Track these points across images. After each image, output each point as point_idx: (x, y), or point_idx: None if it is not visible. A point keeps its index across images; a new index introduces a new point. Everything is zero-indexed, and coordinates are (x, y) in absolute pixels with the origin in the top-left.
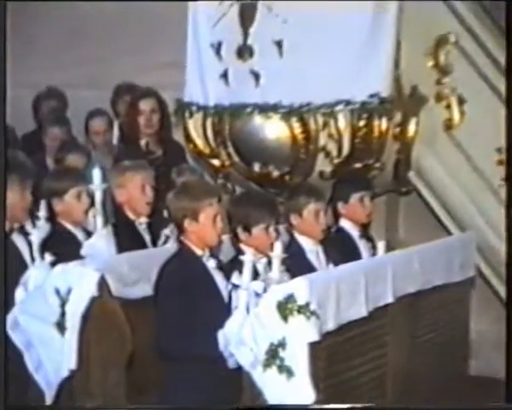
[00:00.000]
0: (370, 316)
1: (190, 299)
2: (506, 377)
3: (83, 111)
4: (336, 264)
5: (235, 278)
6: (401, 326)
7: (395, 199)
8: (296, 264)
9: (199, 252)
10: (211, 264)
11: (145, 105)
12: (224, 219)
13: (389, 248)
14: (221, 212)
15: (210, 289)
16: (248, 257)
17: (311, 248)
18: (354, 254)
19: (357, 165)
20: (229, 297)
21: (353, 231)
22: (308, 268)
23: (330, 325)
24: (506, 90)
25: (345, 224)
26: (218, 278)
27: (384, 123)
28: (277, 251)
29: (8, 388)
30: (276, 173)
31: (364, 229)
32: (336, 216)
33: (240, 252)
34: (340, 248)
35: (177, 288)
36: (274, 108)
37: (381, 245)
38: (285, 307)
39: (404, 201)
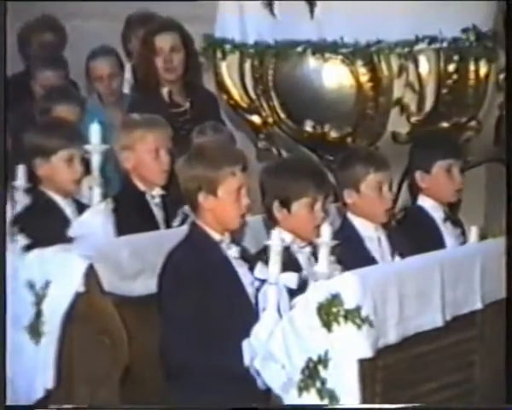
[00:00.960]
0: (448, 327)
1: (205, 298)
2: (506, 377)
3: (86, 48)
4: (406, 255)
5: (259, 269)
6: (492, 342)
7: (496, 171)
8: (350, 255)
9: (216, 237)
10: (232, 252)
11: (163, 41)
12: (251, 194)
13: (484, 236)
14: (247, 184)
15: (231, 284)
16: (276, 241)
17: (371, 235)
18: (435, 244)
19: (444, 124)
20: (256, 296)
21: (436, 211)
22: (366, 260)
23: (390, 338)
24: (506, 89)
25: (425, 202)
26: (242, 270)
27: (483, 67)
28: (325, 236)
29: (7, 388)
30: (334, 135)
31: (451, 210)
32: (414, 192)
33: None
34: (415, 235)
35: (187, 283)
36: (333, 47)
37: (473, 232)
38: (328, 312)
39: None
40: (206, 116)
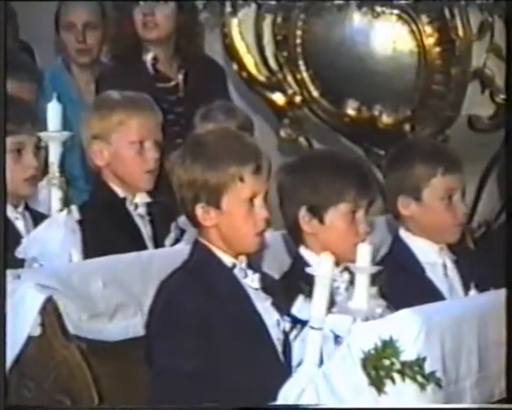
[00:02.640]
0: None
1: (212, 345)
2: (506, 376)
3: None
4: (485, 288)
5: (298, 306)
6: None
7: None
8: (403, 286)
9: (228, 260)
10: (249, 281)
11: None
12: (271, 203)
13: None
14: (264, 190)
15: (248, 326)
16: (325, 268)
17: (434, 260)
18: None
19: None
20: (285, 342)
21: None
22: (426, 295)
23: (467, 402)
24: (506, 89)
25: None
26: (263, 306)
27: None
28: (363, 259)
29: (7, 388)
30: (386, 120)
31: None
32: (505, 200)
33: (300, 259)
34: (500, 260)
35: (188, 325)
36: None
37: None
38: (378, 365)
39: None
40: (207, 94)
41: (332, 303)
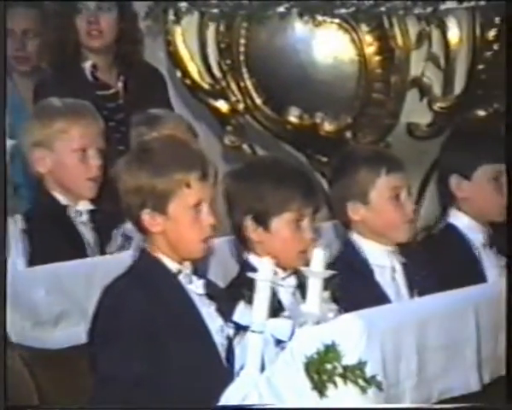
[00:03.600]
0: (487, 391)
1: (156, 350)
2: (506, 376)
3: None
4: (428, 292)
5: (240, 312)
6: None
7: None
8: (353, 290)
9: (173, 266)
10: (194, 287)
11: None
12: (217, 209)
13: None
14: (210, 197)
15: (192, 331)
16: (265, 273)
17: (383, 263)
18: (470, 277)
19: (480, 112)
20: (229, 348)
21: (474, 232)
22: (375, 299)
23: (406, 403)
24: (506, 89)
25: (459, 219)
26: (208, 312)
27: None
28: (317, 264)
29: (7, 388)
30: (328, 127)
31: (495, 231)
32: (445, 203)
33: (247, 265)
34: (443, 265)
35: (131, 331)
36: (328, 6)
37: None
38: (320, 369)
39: None
40: (147, 101)
41: (282, 308)
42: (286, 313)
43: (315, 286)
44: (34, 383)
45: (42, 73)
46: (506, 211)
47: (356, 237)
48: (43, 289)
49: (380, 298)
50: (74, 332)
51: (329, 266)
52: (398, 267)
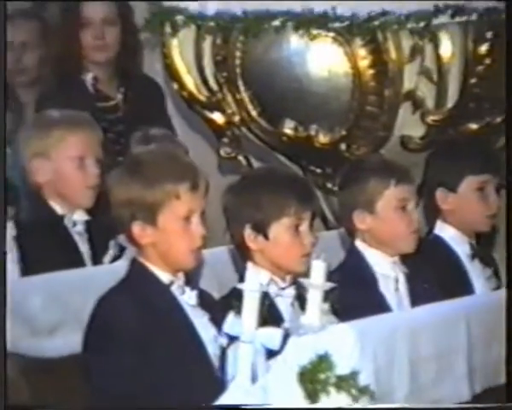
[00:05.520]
0: (480, 400)
1: (148, 361)
2: (506, 376)
3: None
4: (421, 302)
5: (230, 323)
6: None
7: None
8: (356, 297)
9: (165, 277)
10: (187, 298)
11: (92, 10)
12: (211, 218)
13: None
14: (200, 208)
15: (184, 342)
16: (252, 283)
17: (387, 273)
18: (459, 288)
19: (472, 125)
20: (222, 358)
21: (460, 244)
22: (377, 307)
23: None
24: (506, 90)
25: (445, 231)
26: (201, 322)
27: None
28: (317, 276)
29: (7, 388)
30: (322, 139)
31: (480, 242)
32: (431, 216)
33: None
34: (431, 276)
35: (124, 341)
36: (323, 20)
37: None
38: (314, 379)
39: None
40: (146, 113)
41: (279, 319)
42: (286, 325)
43: (314, 298)
44: (30, 392)
45: (43, 85)
46: (506, 222)
47: (361, 246)
48: (40, 298)
49: (382, 308)
50: (70, 341)
51: (333, 273)
52: (401, 278)
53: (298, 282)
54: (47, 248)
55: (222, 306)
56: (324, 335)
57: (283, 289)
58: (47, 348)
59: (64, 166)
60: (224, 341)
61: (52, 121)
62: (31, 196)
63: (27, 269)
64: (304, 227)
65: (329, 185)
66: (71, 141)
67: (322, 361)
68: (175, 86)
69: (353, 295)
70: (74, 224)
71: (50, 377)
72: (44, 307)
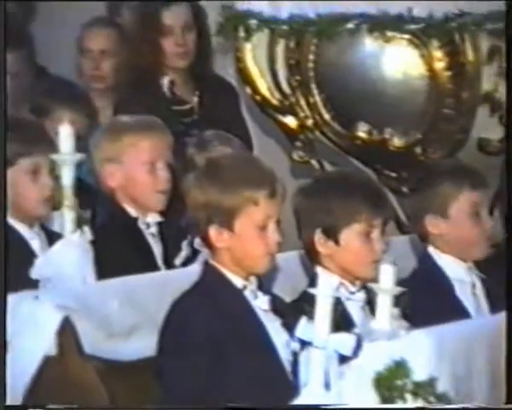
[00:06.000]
0: None
1: (221, 364)
2: (506, 376)
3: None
4: (500, 307)
5: (302, 328)
6: None
7: None
8: (431, 303)
9: (238, 282)
10: (259, 303)
11: (172, 17)
12: (284, 223)
13: None
14: (276, 214)
15: (257, 346)
16: (325, 287)
17: (463, 277)
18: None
19: None
20: (295, 363)
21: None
22: (454, 313)
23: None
24: (506, 91)
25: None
26: (273, 327)
27: None
28: (386, 281)
29: (6, 388)
30: (397, 142)
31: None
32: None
33: (316, 280)
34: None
35: (197, 344)
36: (398, 22)
37: None
38: (391, 386)
39: None
40: (221, 116)
41: (350, 323)
42: (356, 330)
43: (385, 303)
44: (108, 395)
45: (120, 90)
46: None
47: (433, 251)
48: (116, 301)
49: (460, 314)
50: (146, 344)
51: (406, 279)
52: (478, 283)
53: (368, 286)
54: (122, 250)
55: (293, 310)
56: (400, 340)
57: (353, 293)
58: (123, 350)
59: (135, 171)
60: (296, 346)
61: (123, 126)
62: (105, 200)
63: (102, 271)
64: (375, 234)
65: (404, 189)
66: (142, 146)
67: (399, 367)
68: (248, 90)
69: (429, 301)
70: (148, 226)
71: (126, 380)
72: (121, 311)
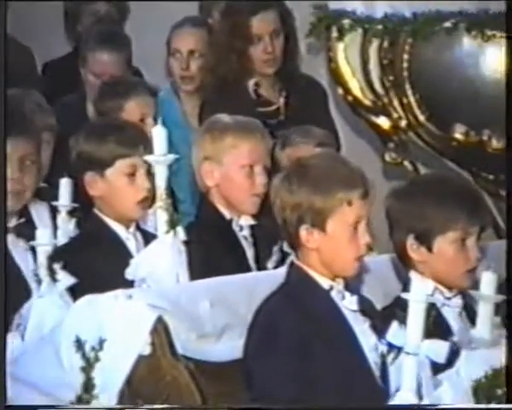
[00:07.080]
0: None
1: (308, 365)
2: (506, 376)
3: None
4: None
5: (394, 332)
6: None
7: None
8: None
9: (325, 283)
10: (347, 303)
11: (262, 25)
12: (374, 225)
13: None
14: (367, 215)
15: (345, 347)
16: (419, 293)
17: None
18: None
19: None
20: (383, 366)
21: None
22: None
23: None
24: (506, 93)
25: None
26: (361, 328)
27: None
28: (487, 288)
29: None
30: (496, 144)
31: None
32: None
33: (409, 284)
34: None
35: (284, 346)
36: (498, 20)
37: None
38: (490, 395)
39: None
40: (308, 116)
41: (447, 330)
42: (455, 338)
43: (486, 311)
44: (200, 396)
45: (207, 92)
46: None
47: None
48: (208, 302)
49: None
50: (236, 346)
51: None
52: None
53: (465, 291)
54: (215, 251)
55: (384, 314)
56: (500, 349)
57: (449, 298)
58: (214, 352)
59: (234, 172)
60: (384, 349)
61: (225, 127)
62: (195, 201)
63: (195, 272)
64: (470, 241)
65: (503, 193)
66: (243, 148)
67: (499, 376)
68: (340, 91)
69: None
70: (241, 228)
71: (216, 381)
72: (213, 311)
